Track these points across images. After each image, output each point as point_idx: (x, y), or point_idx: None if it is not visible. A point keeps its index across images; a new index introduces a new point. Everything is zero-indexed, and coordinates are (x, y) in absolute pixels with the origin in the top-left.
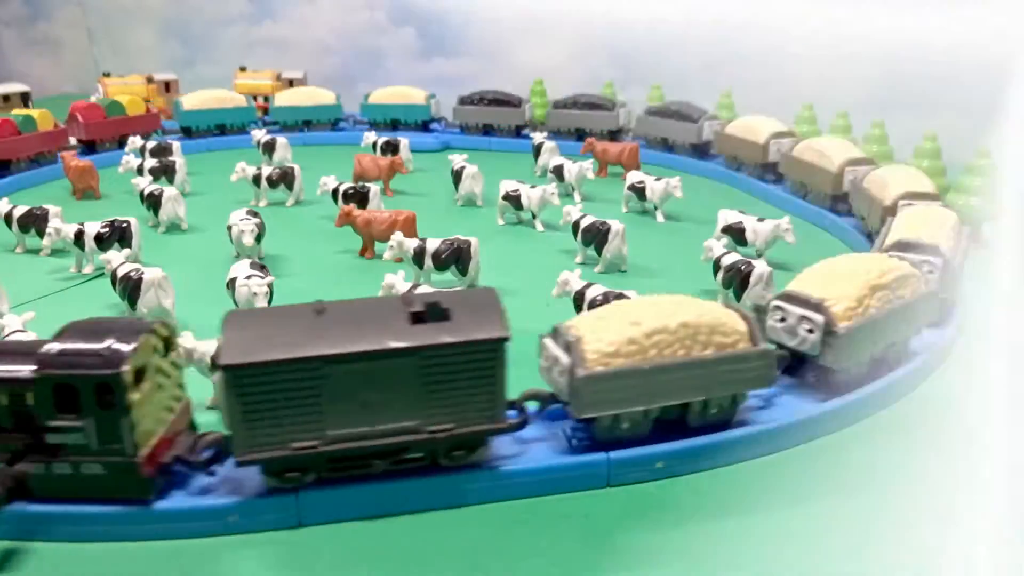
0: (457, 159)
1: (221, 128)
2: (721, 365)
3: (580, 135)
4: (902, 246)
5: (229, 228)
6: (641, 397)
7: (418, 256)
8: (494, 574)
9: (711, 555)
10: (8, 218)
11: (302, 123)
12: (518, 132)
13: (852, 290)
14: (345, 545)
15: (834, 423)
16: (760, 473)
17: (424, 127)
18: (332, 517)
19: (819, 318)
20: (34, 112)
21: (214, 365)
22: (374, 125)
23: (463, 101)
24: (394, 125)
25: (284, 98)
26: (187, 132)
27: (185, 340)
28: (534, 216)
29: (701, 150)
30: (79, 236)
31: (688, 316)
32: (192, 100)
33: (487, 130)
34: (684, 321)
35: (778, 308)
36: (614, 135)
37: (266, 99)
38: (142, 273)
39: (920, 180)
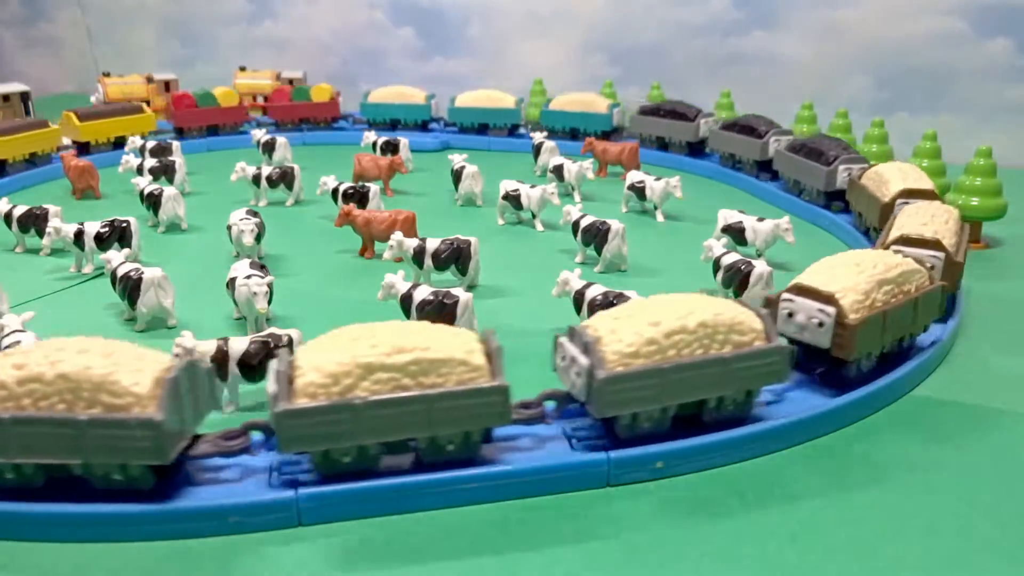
0: (457, 159)
1: (395, 122)
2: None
3: (735, 162)
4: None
5: (229, 228)
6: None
7: (418, 256)
8: (493, 574)
9: (711, 555)
10: (8, 218)
11: (478, 126)
12: (691, 149)
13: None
14: (345, 544)
15: (835, 421)
16: (761, 472)
17: (606, 136)
18: (332, 517)
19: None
20: (217, 90)
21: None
22: (552, 134)
23: (643, 111)
24: (572, 135)
25: (464, 99)
26: (369, 123)
27: (185, 340)
28: (534, 216)
29: (833, 197)
30: (79, 236)
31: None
32: (377, 94)
33: (662, 144)
34: None
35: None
36: (761, 166)
37: (265, 99)
38: (142, 273)
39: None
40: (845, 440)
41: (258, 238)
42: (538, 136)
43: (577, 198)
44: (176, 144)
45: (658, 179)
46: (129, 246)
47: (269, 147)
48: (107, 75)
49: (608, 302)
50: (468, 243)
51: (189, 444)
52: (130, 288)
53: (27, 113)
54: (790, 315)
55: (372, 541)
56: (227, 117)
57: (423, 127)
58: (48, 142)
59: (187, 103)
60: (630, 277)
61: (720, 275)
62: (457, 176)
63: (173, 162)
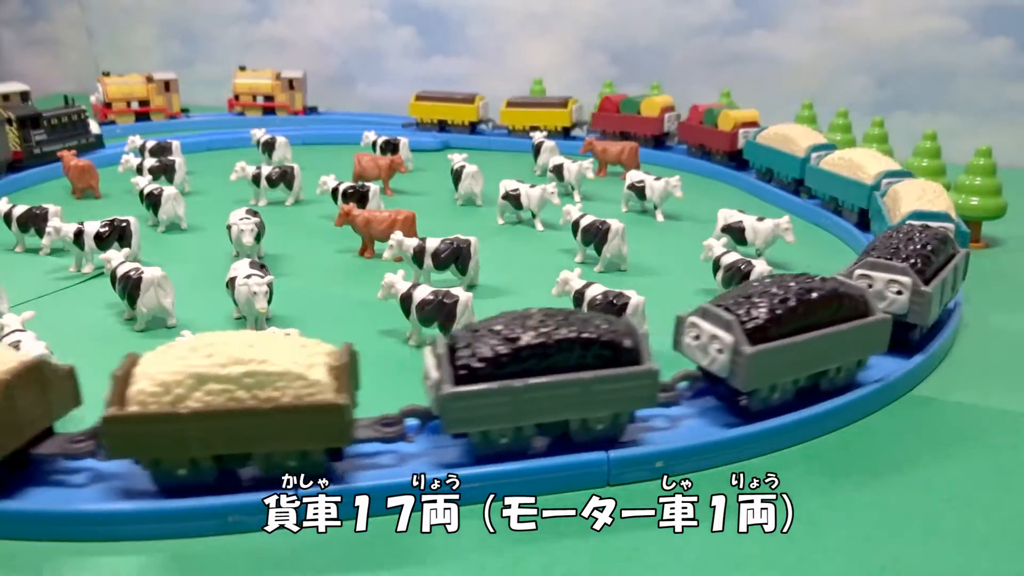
0: (457, 158)
1: (770, 173)
2: None
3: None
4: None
5: (228, 227)
6: None
7: (418, 255)
8: (493, 573)
9: (712, 555)
10: (8, 217)
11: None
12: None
13: None
14: (343, 543)
15: (834, 421)
16: (760, 472)
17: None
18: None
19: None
20: (642, 100)
21: None
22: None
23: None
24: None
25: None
26: (752, 166)
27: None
28: (534, 215)
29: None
30: (79, 235)
31: None
32: (766, 136)
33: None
34: None
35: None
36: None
37: (267, 99)
38: (142, 272)
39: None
40: (844, 440)
41: (258, 238)
42: (538, 136)
43: (577, 198)
44: (176, 143)
45: (658, 179)
46: (129, 246)
47: (269, 147)
48: (107, 75)
49: (608, 302)
50: (468, 243)
51: None
52: (130, 288)
53: None
54: None
55: (369, 539)
56: (642, 126)
57: (795, 188)
58: (462, 115)
59: (610, 107)
60: (630, 277)
61: (720, 275)
62: (457, 176)
63: (173, 162)
